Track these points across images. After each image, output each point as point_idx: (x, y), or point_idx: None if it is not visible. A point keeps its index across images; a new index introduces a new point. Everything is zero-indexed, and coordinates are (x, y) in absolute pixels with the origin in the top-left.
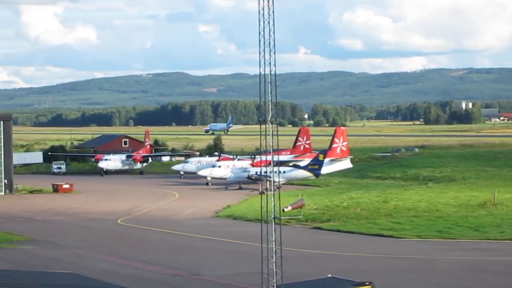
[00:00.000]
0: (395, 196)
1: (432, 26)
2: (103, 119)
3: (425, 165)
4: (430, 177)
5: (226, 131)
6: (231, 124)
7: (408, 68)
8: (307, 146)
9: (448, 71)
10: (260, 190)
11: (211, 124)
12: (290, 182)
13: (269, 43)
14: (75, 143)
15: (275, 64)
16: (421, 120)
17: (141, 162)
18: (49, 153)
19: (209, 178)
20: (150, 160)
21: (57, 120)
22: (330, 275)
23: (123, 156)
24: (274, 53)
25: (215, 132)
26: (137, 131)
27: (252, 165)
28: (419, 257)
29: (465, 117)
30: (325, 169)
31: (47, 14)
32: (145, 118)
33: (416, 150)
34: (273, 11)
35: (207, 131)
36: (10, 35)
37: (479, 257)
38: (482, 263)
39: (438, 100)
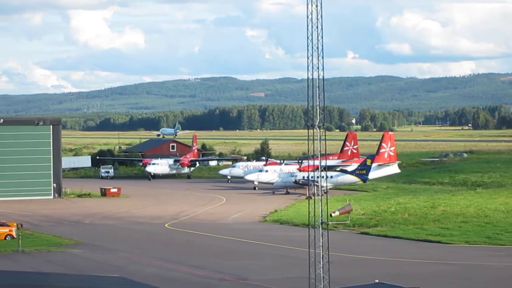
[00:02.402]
0: (443, 201)
1: (481, 30)
2: (151, 124)
3: (473, 170)
4: (479, 182)
5: (174, 135)
6: (178, 130)
7: (456, 73)
8: (354, 151)
9: (498, 76)
10: (308, 195)
11: (162, 129)
12: (338, 187)
13: (317, 48)
14: (123, 147)
15: (323, 69)
16: (469, 125)
17: (189, 166)
18: (97, 157)
19: (256, 183)
20: (197, 164)
21: (106, 125)
22: (377, 280)
23: (170, 161)
24: (322, 57)
25: (165, 136)
26: (184, 136)
27: (299, 169)
28: (467, 263)
29: None
30: (372, 174)
31: (96, 19)
32: (193, 123)
33: (465, 155)
34: (321, 16)
35: (158, 135)
36: (59, 40)
37: None
38: None
39: (487, 105)
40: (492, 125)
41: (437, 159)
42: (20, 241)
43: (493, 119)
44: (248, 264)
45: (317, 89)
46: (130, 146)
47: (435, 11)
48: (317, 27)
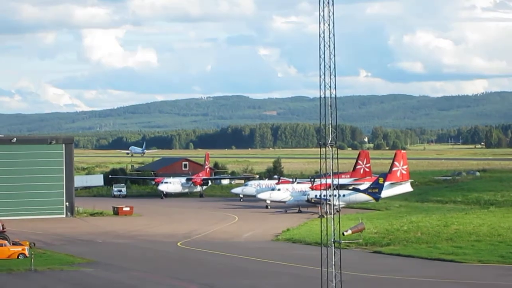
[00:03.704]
0: (456, 220)
1: (493, 48)
2: (164, 142)
3: (486, 189)
4: (492, 201)
5: (142, 154)
6: (145, 150)
7: (469, 91)
8: (367, 169)
9: (510, 94)
10: (320, 214)
11: (132, 147)
12: (350, 206)
13: (330, 66)
14: (136, 166)
15: (335, 87)
16: (482, 143)
17: (201, 185)
18: (110, 176)
19: (268, 201)
20: (210, 183)
21: (118, 143)
22: None
23: (183, 179)
24: (335, 76)
25: (134, 154)
26: (197, 154)
27: (312, 188)
28: (481, 282)
29: None
30: (385, 193)
31: (109, 38)
32: (205, 141)
33: (478, 173)
34: (333, 34)
35: (127, 153)
36: (72, 59)
37: None
38: None
39: (500, 123)
40: (505, 143)
41: (450, 177)
42: (32, 260)
43: (506, 138)
44: (261, 283)
45: (330, 108)
46: (143, 165)
47: (448, 30)
48: (329, 46)
